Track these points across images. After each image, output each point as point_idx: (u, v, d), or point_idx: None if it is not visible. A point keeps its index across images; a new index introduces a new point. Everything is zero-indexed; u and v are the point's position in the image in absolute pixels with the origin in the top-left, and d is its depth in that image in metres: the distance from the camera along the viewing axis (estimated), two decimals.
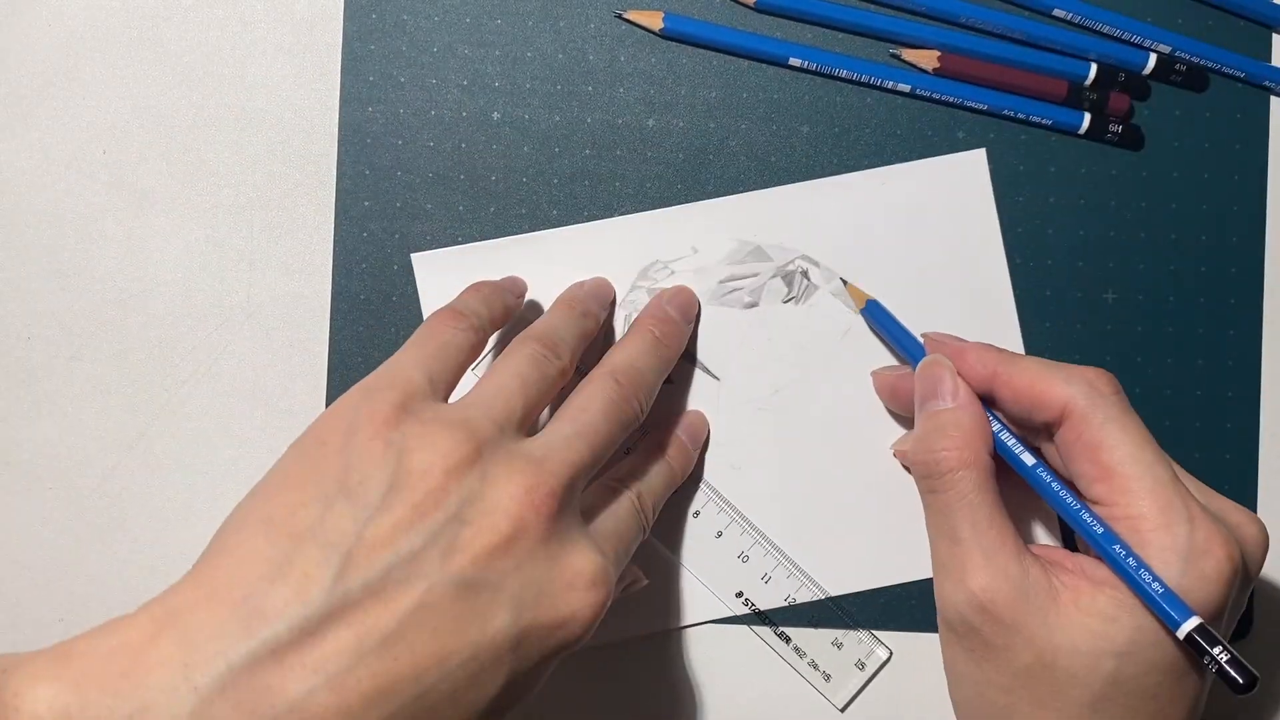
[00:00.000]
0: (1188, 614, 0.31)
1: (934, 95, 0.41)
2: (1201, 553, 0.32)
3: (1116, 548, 0.33)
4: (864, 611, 0.41)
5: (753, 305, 0.41)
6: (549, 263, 0.41)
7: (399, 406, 0.32)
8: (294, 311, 0.42)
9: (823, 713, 0.41)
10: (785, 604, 0.41)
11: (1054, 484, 0.35)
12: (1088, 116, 0.41)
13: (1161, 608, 0.32)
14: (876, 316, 0.40)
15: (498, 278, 0.40)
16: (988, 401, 0.37)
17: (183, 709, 0.26)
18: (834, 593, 0.41)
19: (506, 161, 0.42)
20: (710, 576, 0.41)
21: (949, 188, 0.41)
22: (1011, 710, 0.34)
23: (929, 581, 0.38)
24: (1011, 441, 0.36)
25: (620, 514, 0.36)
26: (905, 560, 0.41)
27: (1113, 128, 0.41)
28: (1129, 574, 0.32)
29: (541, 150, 0.42)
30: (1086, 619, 0.33)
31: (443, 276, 0.41)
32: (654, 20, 0.41)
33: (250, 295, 0.42)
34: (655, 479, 0.38)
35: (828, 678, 0.41)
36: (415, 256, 0.41)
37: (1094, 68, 0.41)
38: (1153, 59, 0.41)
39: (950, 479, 0.35)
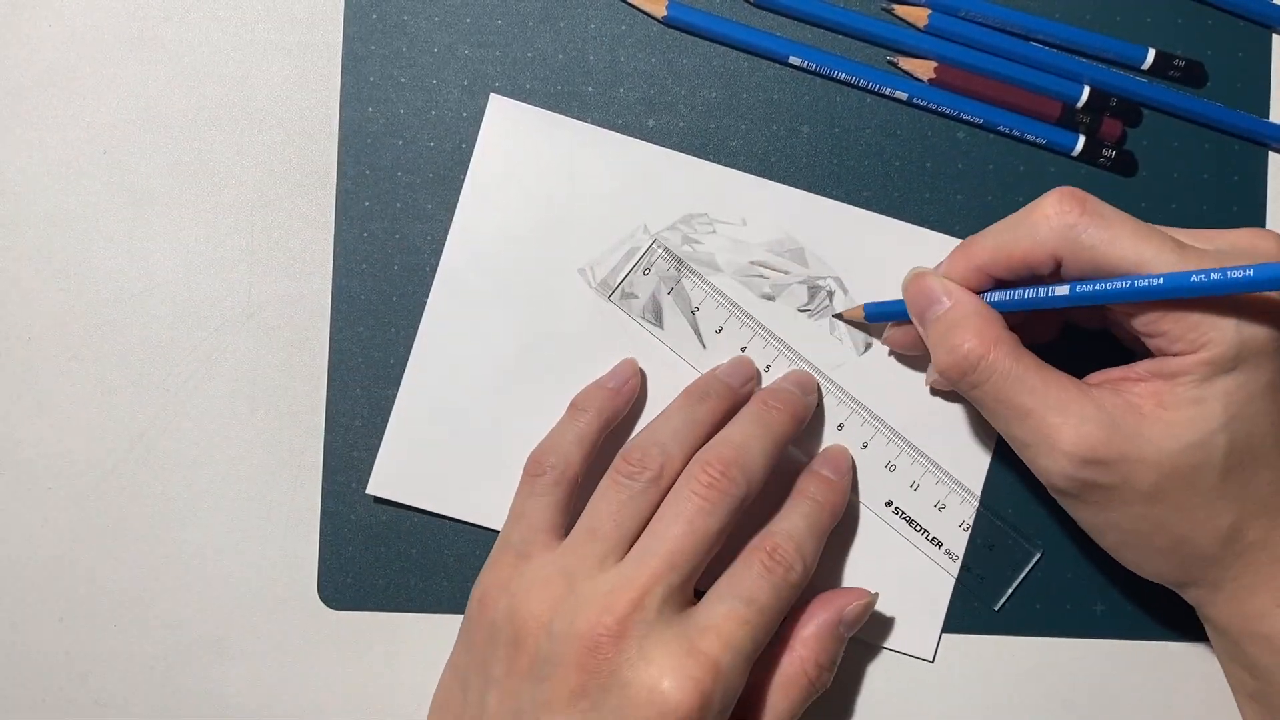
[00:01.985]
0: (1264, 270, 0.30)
1: (930, 105, 0.41)
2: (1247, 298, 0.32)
3: (1178, 280, 0.32)
4: (1017, 514, 0.41)
5: (769, 298, 0.41)
6: (608, 162, 0.41)
7: (512, 567, 0.37)
8: (294, 312, 0.42)
9: (976, 614, 0.41)
10: (936, 509, 0.41)
11: (1099, 285, 0.34)
12: (1082, 139, 0.41)
13: (1251, 281, 0.31)
14: (878, 309, 0.40)
15: (551, 160, 0.41)
16: (1000, 286, 0.36)
17: None
18: (981, 496, 0.41)
19: None
20: (859, 489, 0.41)
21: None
22: (1161, 527, 0.34)
23: None
24: (1030, 293, 0.35)
25: (741, 583, 0.36)
26: None
27: (1106, 152, 0.41)
28: (1225, 282, 0.31)
29: None
30: (1178, 414, 0.33)
31: (507, 127, 0.41)
32: (657, 7, 0.41)
33: (250, 295, 0.42)
34: (796, 522, 0.38)
35: (981, 579, 0.41)
36: (494, 98, 0.41)
37: (1086, 90, 0.41)
38: (1151, 54, 0.41)
39: (985, 366, 0.35)
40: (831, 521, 0.39)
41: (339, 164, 0.42)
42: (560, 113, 0.42)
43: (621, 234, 0.41)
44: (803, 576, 0.37)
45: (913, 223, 0.42)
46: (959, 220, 0.42)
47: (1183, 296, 0.33)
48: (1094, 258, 0.33)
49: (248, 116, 0.42)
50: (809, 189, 0.42)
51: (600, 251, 0.41)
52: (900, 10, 0.41)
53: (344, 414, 0.41)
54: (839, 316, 0.41)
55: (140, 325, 0.42)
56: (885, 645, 0.41)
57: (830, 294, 0.41)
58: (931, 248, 0.41)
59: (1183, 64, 0.42)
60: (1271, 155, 0.42)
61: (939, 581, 0.41)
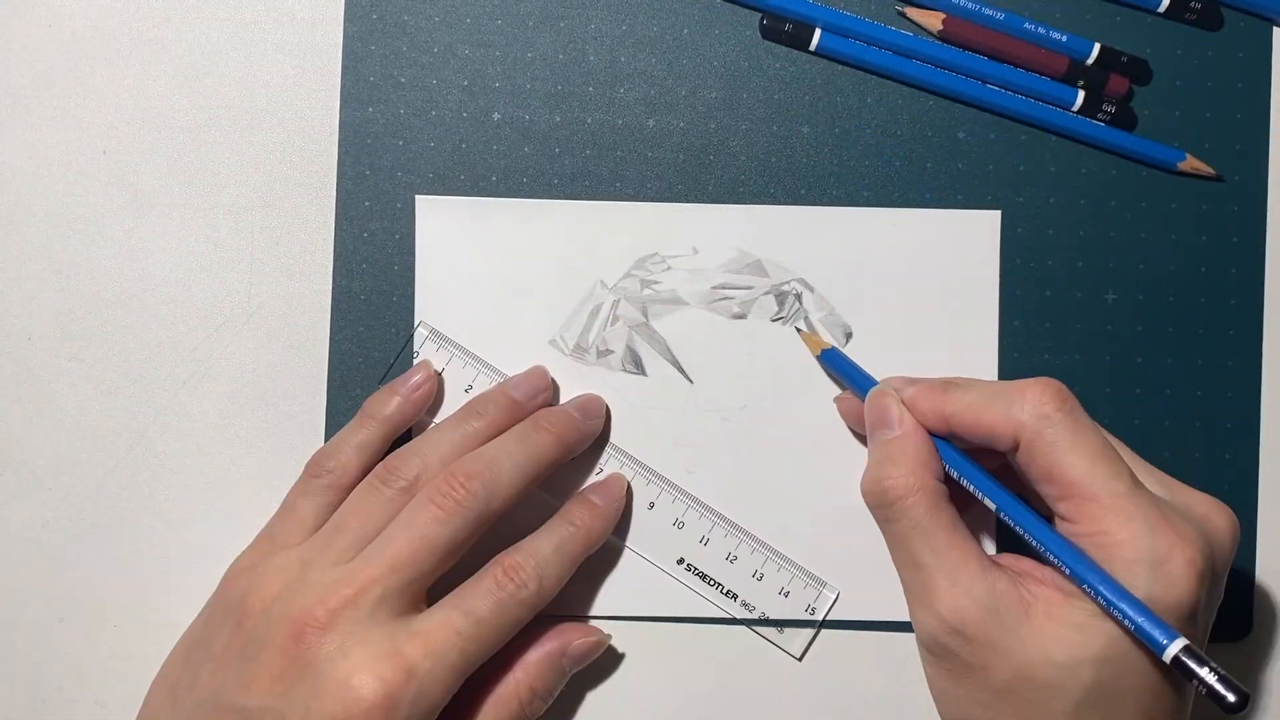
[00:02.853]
0: (1172, 636, 0.31)
1: (936, 61, 0.41)
2: (1164, 559, 0.32)
3: (1089, 574, 0.33)
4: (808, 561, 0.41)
5: (740, 317, 0.41)
6: (549, 231, 0.41)
7: (264, 555, 0.38)
8: (294, 312, 0.42)
9: (782, 667, 0.41)
10: (727, 561, 0.41)
11: (1011, 502, 0.35)
12: (1081, 94, 0.41)
13: (1145, 633, 0.31)
14: (833, 362, 0.40)
15: (494, 244, 0.41)
16: (951, 439, 0.36)
17: None
18: (775, 546, 0.41)
19: (507, 162, 0.42)
20: (649, 547, 0.41)
21: (956, 242, 0.41)
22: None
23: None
24: (963, 465, 0.36)
25: (468, 595, 0.36)
26: (847, 590, 0.41)
27: (1106, 107, 0.41)
28: (1108, 606, 0.32)
29: (542, 151, 0.42)
30: (1060, 629, 0.33)
31: (443, 224, 0.41)
32: None
33: (250, 295, 0.42)
34: (544, 542, 0.38)
35: (780, 629, 0.41)
36: (420, 199, 0.41)
37: (1097, 47, 0.41)
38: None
39: (900, 507, 0.35)
40: (586, 548, 0.39)
41: (339, 164, 0.42)
42: (561, 113, 0.42)
43: (581, 295, 0.41)
44: (536, 596, 0.37)
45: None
46: None
47: (1072, 576, 0.33)
48: (1048, 456, 0.34)
49: (248, 116, 0.42)
50: (809, 189, 0.42)
51: (565, 317, 0.41)
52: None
53: (344, 414, 0.41)
54: (800, 331, 0.41)
55: (140, 325, 0.42)
56: None
57: (798, 295, 0.41)
58: (877, 224, 0.41)
59: (1199, 6, 0.41)
60: (1273, 124, 0.42)
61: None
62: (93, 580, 0.42)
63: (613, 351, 0.41)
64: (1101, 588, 0.32)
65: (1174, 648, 0.31)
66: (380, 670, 0.34)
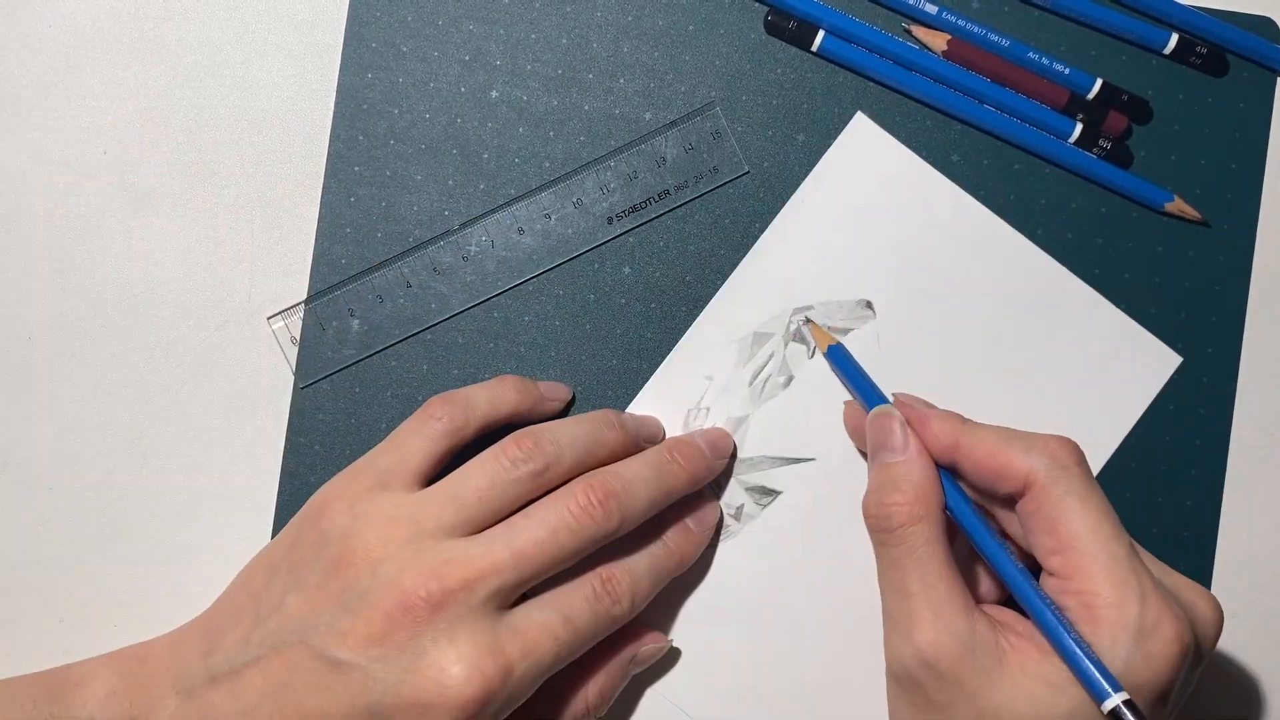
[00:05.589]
0: (1116, 688, 0.31)
1: (934, 75, 0.41)
2: (1151, 631, 0.32)
3: (1053, 615, 0.33)
4: None
5: (790, 381, 0.41)
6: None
7: (366, 490, 0.36)
8: (293, 312, 0.42)
9: None
10: None
11: (1002, 548, 0.35)
12: (1079, 126, 0.41)
13: (1090, 678, 0.32)
14: (839, 361, 0.40)
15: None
16: (951, 471, 0.37)
17: (165, 712, 0.36)
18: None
19: (500, 140, 0.42)
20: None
21: (861, 162, 0.41)
22: None
23: None
24: (959, 504, 0.36)
25: (566, 600, 0.36)
26: None
27: (1102, 143, 0.41)
28: (1062, 643, 0.32)
29: (536, 132, 0.42)
30: (1030, 684, 0.33)
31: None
32: None
33: (250, 295, 0.42)
34: (641, 560, 0.38)
35: None
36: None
37: (1099, 83, 0.41)
38: (1174, 39, 0.41)
39: (901, 533, 0.35)
40: (677, 570, 0.39)
41: (332, 125, 0.41)
42: (559, 97, 0.41)
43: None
44: (627, 613, 0.37)
45: None
46: None
47: (1038, 623, 0.33)
48: (1056, 507, 0.34)
49: (248, 116, 0.42)
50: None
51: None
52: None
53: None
54: (810, 322, 0.41)
55: (140, 325, 0.42)
56: None
57: (807, 321, 0.41)
58: (795, 218, 0.41)
59: (1205, 51, 0.41)
60: (1266, 177, 0.42)
61: None
62: (93, 580, 0.42)
63: (742, 504, 0.41)
64: (1063, 627, 0.32)
65: (1115, 699, 0.31)
66: (483, 665, 0.34)
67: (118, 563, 0.42)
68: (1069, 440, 0.35)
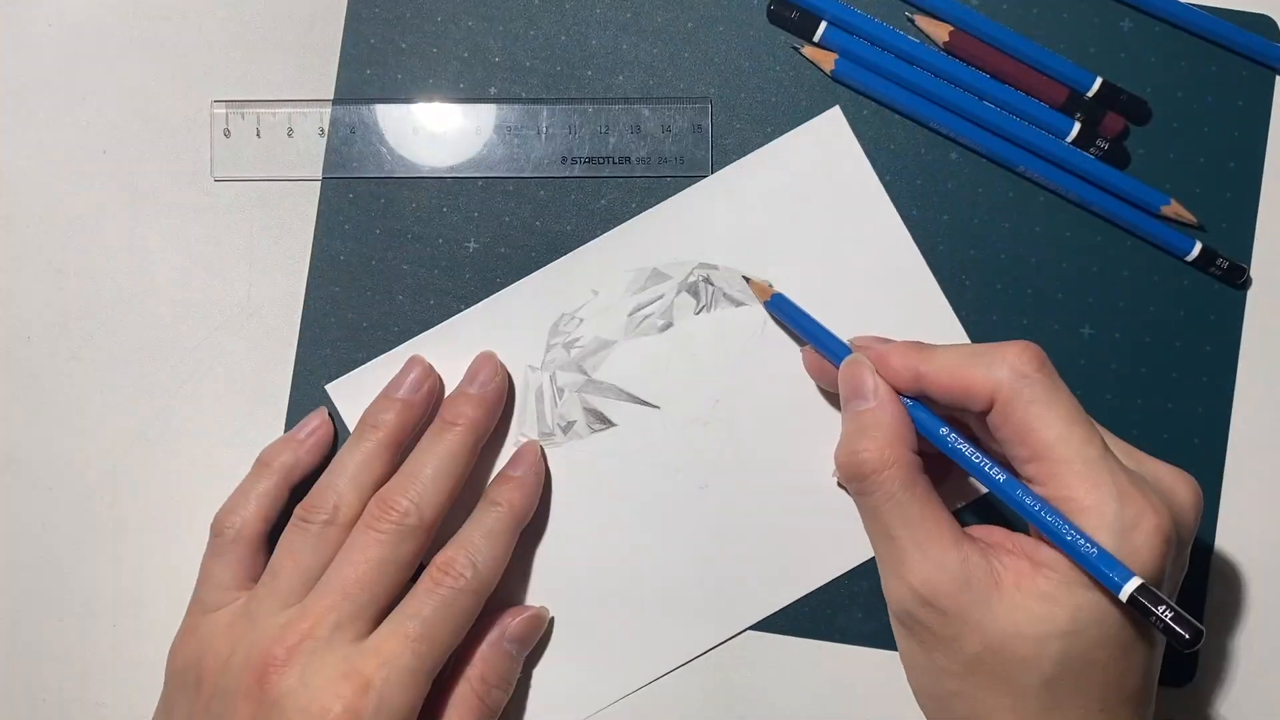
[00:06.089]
0: (1128, 575, 0.31)
1: (935, 69, 0.41)
2: (1132, 527, 0.32)
3: (1050, 518, 0.33)
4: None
5: (667, 326, 0.41)
6: (462, 349, 0.41)
7: (200, 619, 0.38)
8: (294, 311, 0.42)
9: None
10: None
11: (984, 464, 0.35)
12: (1077, 125, 0.41)
13: (1101, 572, 0.32)
14: (782, 309, 0.40)
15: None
16: (921, 400, 0.36)
17: None
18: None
19: None
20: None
21: (817, 155, 0.41)
22: (966, 696, 0.34)
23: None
24: (942, 430, 0.36)
25: (411, 602, 0.37)
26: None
27: (1099, 143, 0.41)
28: (1065, 542, 0.32)
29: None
30: (1028, 601, 0.33)
31: (363, 394, 0.41)
32: None
33: (250, 295, 0.42)
34: (472, 531, 0.39)
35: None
36: (330, 387, 0.41)
37: (1098, 81, 0.41)
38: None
39: (875, 480, 0.35)
40: (517, 523, 0.39)
41: (331, 121, 0.41)
42: (557, 94, 0.41)
43: (520, 388, 0.41)
44: (476, 583, 0.37)
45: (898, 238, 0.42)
46: (942, 237, 0.42)
47: (1039, 529, 0.33)
48: (1024, 416, 0.34)
49: (248, 116, 0.42)
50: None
51: (516, 416, 0.41)
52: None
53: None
54: (747, 279, 0.41)
55: (140, 325, 0.42)
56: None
57: (707, 279, 0.41)
58: (732, 183, 0.41)
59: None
60: (1265, 176, 0.42)
61: None
62: (93, 580, 0.42)
63: (575, 421, 0.41)
64: (1065, 526, 0.32)
65: (1130, 586, 0.31)
66: (339, 690, 0.35)
67: (118, 563, 0.42)
68: (1029, 345, 0.35)
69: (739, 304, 0.41)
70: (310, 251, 0.42)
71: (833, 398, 0.41)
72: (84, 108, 0.42)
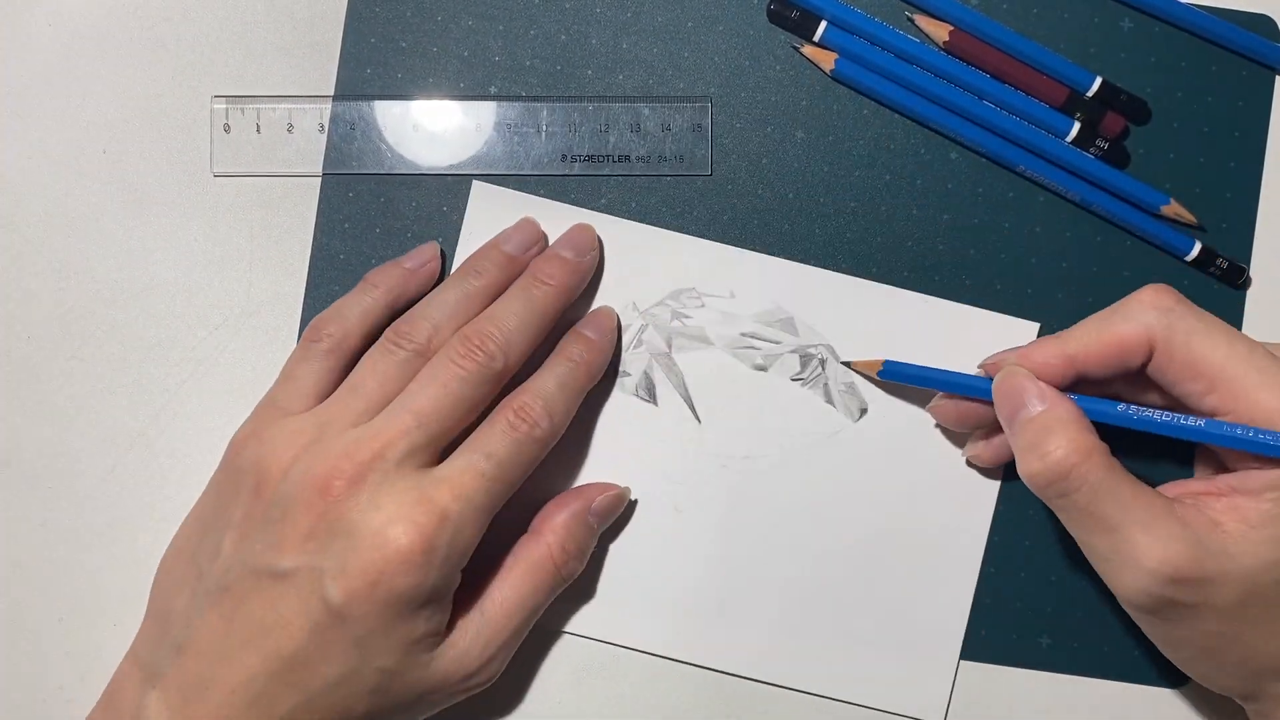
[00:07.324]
0: None
1: (935, 69, 0.41)
2: None
3: (1266, 437, 0.33)
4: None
5: (761, 369, 0.41)
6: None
7: (269, 420, 0.37)
8: (293, 311, 0.42)
9: None
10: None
11: (1177, 418, 0.35)
12: (1077, 125, 0.41)
13: None
14: (898, 373, 0.40)
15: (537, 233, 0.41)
16: (1077, 384, 0.36)
17: (149, 709, 0.36)
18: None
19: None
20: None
21: (987, 345, 0.40)
22: (1236, 639, 0.34)
23: None
24: (1120, 407, 0.35)
25: (483, 439, 0.37)
26: (819, 667, 0.41)
27: (1099, 143, 0.41)
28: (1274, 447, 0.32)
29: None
30: (1261, 531, 0.33)
31: (492, 212, 0.41)
32: None
33: (250, 295, 0.42)
34: (548, 380, 0.38)
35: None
36: (476, 184, 0.41)
37: (1098, 81, 0.41)
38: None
39: (1078, 474, 0.34)
40: (589, 381, 0.39)
41: (332, 117, 0.41)
42: (557, 94, 0.41)
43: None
44: (548, 433, 0.37)
45: (896, 240, 0.42)
46: (942, 237, 0.42)
47: (1252, 450, 0.33)
48: (1187, 347, 0.34)
49: (248, 116, 0.42)
50: (795, 198, 0.42)
51: None
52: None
53: None
54: (848, 364, 0.41)
55: (140, 325, 0.42)
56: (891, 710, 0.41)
57: (823, 361, 0.41)
58: (905, 307, 0.41)
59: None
60: (1265, 175, 0.42)
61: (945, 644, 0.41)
62: (93, 580, 0.42)
63: (630, 375, 0.41)
64: (1266, 435, 0.33)
65: None
66: (414, 517, 0.34)
67: (118, 563, 0.42)
68: (1159, 285, 0.35)
69: (828, 400, 0.41)
70: (310, 250, 0.42)
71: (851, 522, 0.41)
72: (84, 107, 0.42)
